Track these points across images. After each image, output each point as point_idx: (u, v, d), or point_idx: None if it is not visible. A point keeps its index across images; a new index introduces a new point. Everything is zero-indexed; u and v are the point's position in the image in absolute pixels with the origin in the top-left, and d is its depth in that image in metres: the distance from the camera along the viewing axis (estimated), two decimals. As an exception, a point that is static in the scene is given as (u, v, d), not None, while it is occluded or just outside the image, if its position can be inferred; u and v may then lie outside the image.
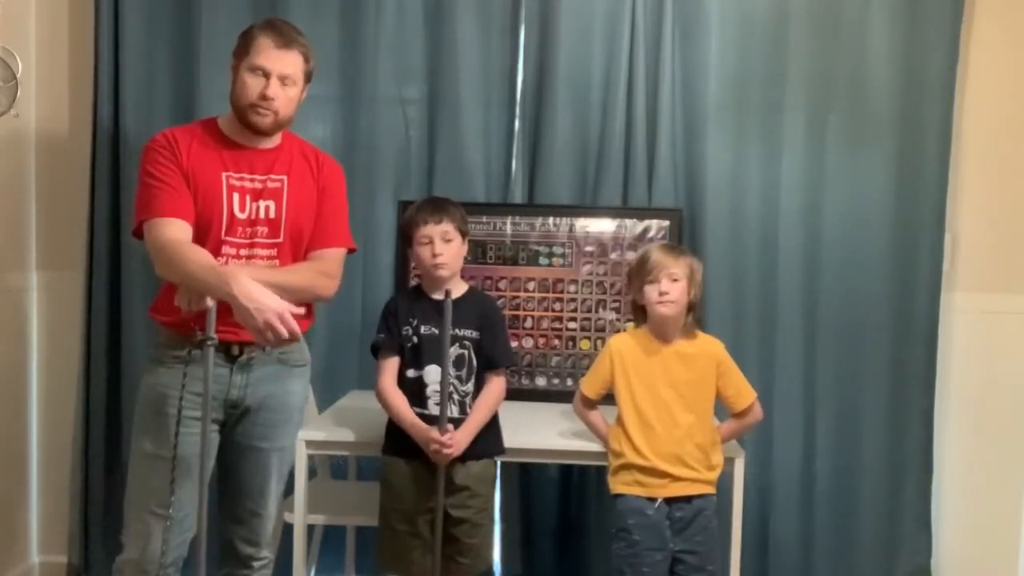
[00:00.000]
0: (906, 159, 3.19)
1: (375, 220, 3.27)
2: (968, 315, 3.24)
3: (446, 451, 2.41)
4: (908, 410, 3.23)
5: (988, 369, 3.22)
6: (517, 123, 3.28)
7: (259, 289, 2.15)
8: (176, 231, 2.23)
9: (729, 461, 2.62)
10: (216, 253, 2.27)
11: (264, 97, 2.26)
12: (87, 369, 3.26)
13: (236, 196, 2.30)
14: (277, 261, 2.34)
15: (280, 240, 2.34)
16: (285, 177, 2.36)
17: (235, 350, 2.31)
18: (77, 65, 3.28)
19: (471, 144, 3.25)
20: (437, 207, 2.54)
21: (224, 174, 2.30)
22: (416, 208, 2.57)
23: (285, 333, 2.13)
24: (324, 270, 2.40)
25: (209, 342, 2.05)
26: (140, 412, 2.36)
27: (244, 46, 2.31)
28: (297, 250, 2.39)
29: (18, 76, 3.06)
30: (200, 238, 2.26)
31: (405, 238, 2.62)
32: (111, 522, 3.24)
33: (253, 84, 2.27)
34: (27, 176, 3.28)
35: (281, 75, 2.28)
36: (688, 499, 2.51)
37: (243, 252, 2.30)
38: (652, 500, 2.50)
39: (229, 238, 2.29)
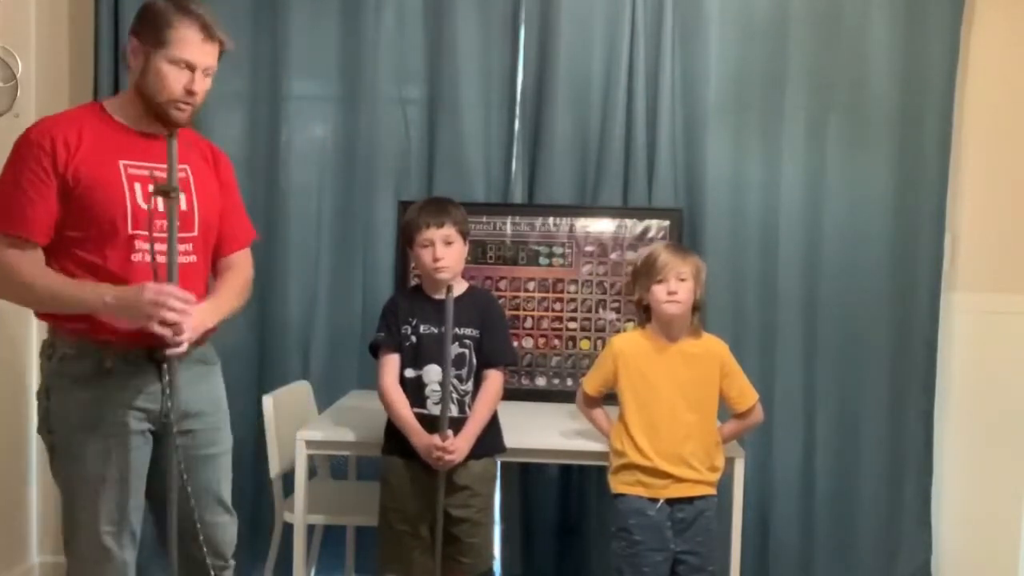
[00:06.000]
0: (906, 159, 3.20)
1: (375, 220, 3.27)
2: (968, 315, 3.24)
3: (448, 458, 2.41)
4: (908, 410, 3.23)
5: (988, 369, 3.21)
6: (517, 123, 3.29)
7: (124, 288, 1.99)
8: (21, 254, 2.03)
9: (729, 462, 2.63)
10: (129, 250, 2.07)
11: (190, 92, 2.09)
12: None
13: (138, 186, 2.07)
14: (194, 257, 2.17)
15: (195, 234, 2.17)
16: (187, 166, 2.17)
17: (158, 355, 2.06)
18: (77, 65, 3.28)
19: (471, 144, 3.25)
20: (439, 210, 2.53)
21: (122, 163, 2.08)
22: (418, 210, 2.56)
23: (180, 305, 1.95)
24: (247, 278, 2.34)
25: (163, 360, 1.97)
26: (67, 436, 2.10)
27: (157, 33, 2.08)
28: (208, 244, 2.24)
29: (18, 76, 3.06)
30: (106, 237, 2.05)
31: (406, 239, 2.62)
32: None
33: (176, 78, 2.07)
34: (27, 176, 3.27)
35: (205, 67, 2.11)
36: (690, 500, 2.51)
37: (159, 247, 2.02)
38: (654, 501, 2.50)
39: (139, 231, 2.06)
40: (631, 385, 2.55)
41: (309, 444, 2.68)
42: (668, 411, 2.52)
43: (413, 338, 2.52)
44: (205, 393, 2.24)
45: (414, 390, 2.50)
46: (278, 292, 3.26)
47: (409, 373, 2.52)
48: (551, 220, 3.22)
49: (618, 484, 2.55)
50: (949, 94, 3.17)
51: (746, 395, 2.60)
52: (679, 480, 2.50)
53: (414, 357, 2.51)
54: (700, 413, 2.54)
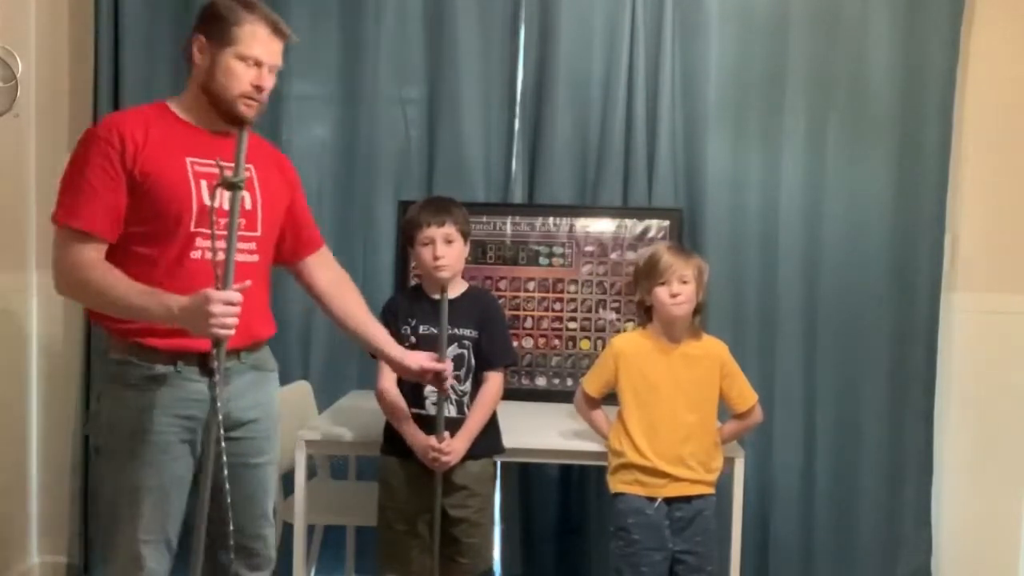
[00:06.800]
0: (906, 159, 3.19)
1: (375, 220, 3.27)
2: (968, 315, 3.24)
3: (444, 459, 2.41)
4: (908, 410, 3.23)
5: (988, 369, 3.22)
6: (517, 123, 3.29)
7: (189, 299, 1.93)
8: (91, 253, 2.01)
9: (729, 461, 2.63)
10: (188, 247, 2.05)
11: (259, 88, 2.09)
12: (87, 369, 3.26)
13: (204, 183, 2.05)
14: (257, 256, 2.15)
15: (258, 234, 2.15)
16: (252, 166, 2.12)
17: (212, 362, 1.98)
18: (77, 65, 3.28)
19: (471, 144, 3.25)
20: (440, 209, 2.53)
21: (188, 160, 2.06)
22: (419, 208, 2.57)
23: (236, 310, 1.90)
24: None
25: (215, 368, 1.90)
26: (113, 441, 2.08)
27: (226, 30, 2.06)
28: (271, 245, 2.22)
29: (18, 76, 3.07)
30: (167, 233, 2.03)
31: (407, 238, 2.62)
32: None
33: (244, 74, 2.07)
34: (27, 176, 3.27)
35: (271, 64, 2.11)
36: (688, 499, 2.51)
37: (220, 245, 1.93)
38: (652, 500, 2.50)
39: (201, 229, 2.03)
40: (631, 386, 2.55)
41: (309, 444, 2.68)
42: (668, 412, 2.52)
43: (412, 338, 2.51)
44: (256, 401, 2.20)
45: (412, 391, 2.50)
46: (278, 292, 3.23)
47: (409, 374, 2.52)
48: (551, 220, 3.22)
49: (616, 483, 2.55)
50: (949, 94, 3.17)
51: (746, 396, 2.60)
52: (677, 479, 2.50)
53: None
54: (700, 414, 2.54)
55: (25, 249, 3.28)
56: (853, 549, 3.25)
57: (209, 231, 1.94)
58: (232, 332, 1.90)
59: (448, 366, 2.33)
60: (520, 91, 3.28)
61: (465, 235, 2.55)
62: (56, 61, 3.28)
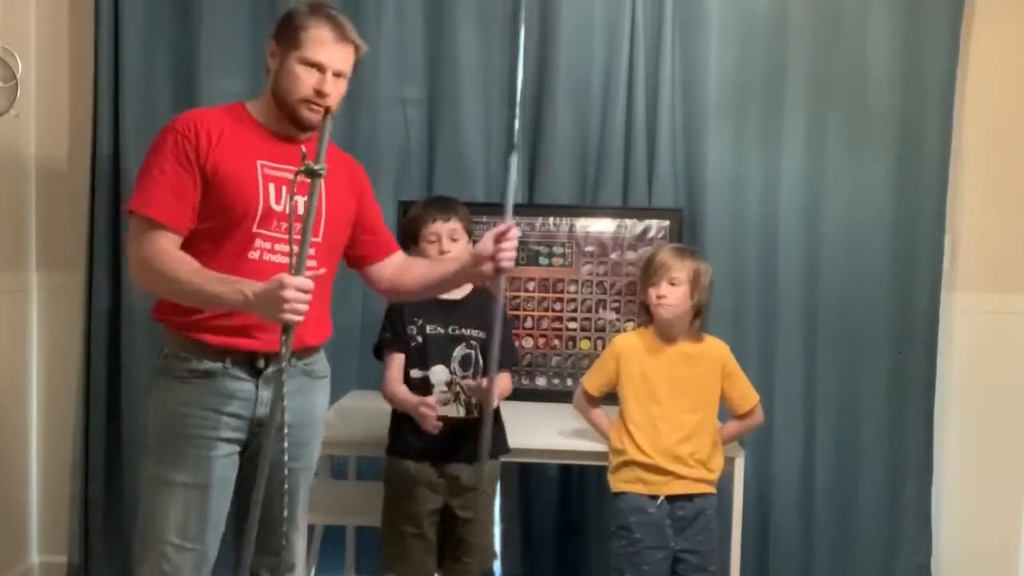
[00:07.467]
0: (906, 159, 3.19)
1: (375, 220, 3.26)
2: (968, 315, 3.24)
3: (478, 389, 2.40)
4: (908, 410, 3.23)
5: (988, 369, 3.22)
6: (517, 123, 3.28)
7: (263, 284, 1.94)
8: (167, 244, 2.03)
9: (729, 462, 2.63)
10: (247, 247, 2.06)
11: (320, 93, 2.09)
12: (87, 369, 3.26)
13: (272, 187, 2.07)
14: (315, 262, 2.08)
15: (318, 239, 2.11)
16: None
17: (260, 362, 2.07)
18: (77, 65, 3.28)
19: (471, 144, 3.25)
20: (445, 206, 2.55)
21: (259, 162, 2.08)
22: (423, 206, 2.58)
23: (308, 297, 1.91)
24: None
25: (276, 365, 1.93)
26: (155, 434, 2.08)
27: (292, 34, 2.09)
28: (332, 254, 2.22)
29: (18, 76, 3.06)
30: (229, 231, 2.05)
31: (410, 236, 2.61)
32: (111, 522, 3.25)
33: (307, 78, 2.08)
34: (27, 176, 3.27)
35: (336, 71, 2.11)
36: (690, 497, 2.51)
37: (279, 248, 2.03)
38: (654, 498, 2.50)
39: (262, 231, 2.06)
40: (632, 385, 2.56)
41: (310, 444, 2.68)
42: (669, 412, 2.52)
43: (419, 338, 2.51)
44: (299, 407, 2.14)
45: (421, 391, 2.50)
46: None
47: (416, 373, 2.52)
48: (551, 220, 3.22)
49: (618, 482, 2.55)
50: (949, 94, 3.17)
51: (747, 397, 2.61)
52: (678, 477, 2.50)
53: (420, 357, 2.51)
54: (700, 414, 2.54)
55: (25, 249, 3.28)
56: (853, 549, 3.25)
57: (270, 233, 2.03)
58: (301, 318, 1.90)
59: (514, 229, 2.12)
60: (520, 91, 3.27)
61: (469, 233, 2.57)
62: (56, 61, 3.28)
